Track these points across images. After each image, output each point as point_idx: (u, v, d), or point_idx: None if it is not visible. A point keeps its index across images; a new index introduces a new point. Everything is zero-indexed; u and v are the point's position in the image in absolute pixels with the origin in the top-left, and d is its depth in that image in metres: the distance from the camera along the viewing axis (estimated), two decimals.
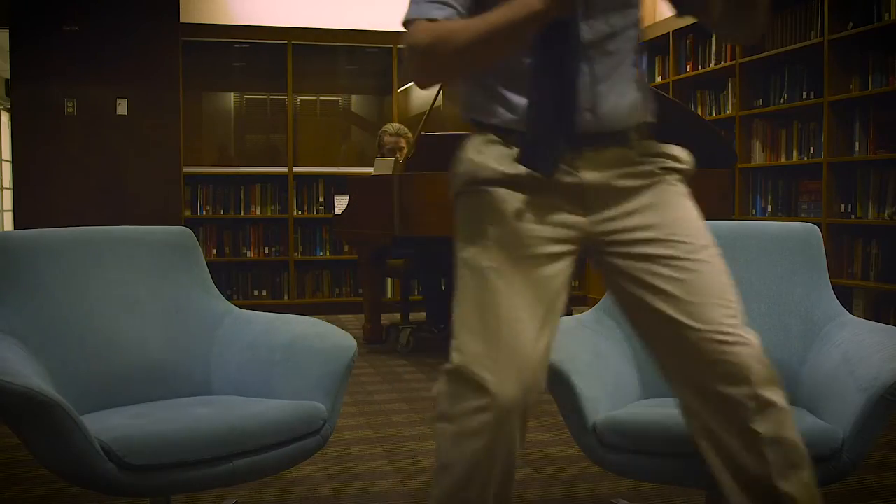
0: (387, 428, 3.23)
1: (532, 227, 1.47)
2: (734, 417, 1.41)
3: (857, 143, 4.71)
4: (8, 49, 6.02)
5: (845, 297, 4.16)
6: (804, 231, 2.16)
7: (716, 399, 1.42)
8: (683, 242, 1.47)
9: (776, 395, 1.41)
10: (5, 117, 9.20)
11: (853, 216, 4.68)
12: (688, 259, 1.46)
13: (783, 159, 5.19)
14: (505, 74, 1.48)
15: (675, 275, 1.45)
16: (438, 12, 1.44)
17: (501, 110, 1.49)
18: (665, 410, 1.75)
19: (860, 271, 4.66)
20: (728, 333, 1.41)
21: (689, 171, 1.57)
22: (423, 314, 5.65)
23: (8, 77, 6.47)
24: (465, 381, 1.41)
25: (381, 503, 2.42)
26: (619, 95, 1.50)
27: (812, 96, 4.96)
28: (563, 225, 1.49)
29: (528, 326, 1.43)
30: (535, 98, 1.42)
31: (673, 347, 1.46)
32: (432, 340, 5.25)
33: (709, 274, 1.46)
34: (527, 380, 1.41)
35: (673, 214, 1.50)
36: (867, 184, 4.62)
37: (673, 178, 1.54)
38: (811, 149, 4.97)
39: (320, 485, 2.56)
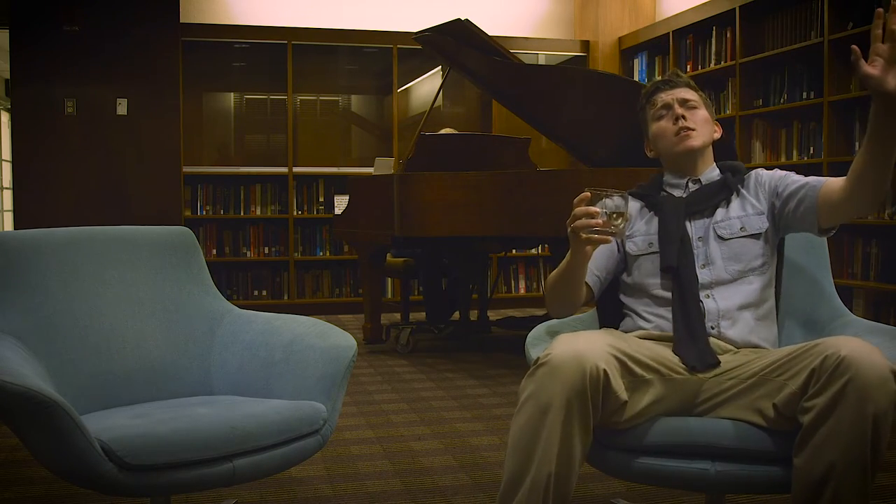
0: (387, 428, 3.23)
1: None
2: None
3: (857, 143, 4.71)
4: (8, 49, 6.01)
5: (845, 297, 4.15)
6: None
7: None
8: None
9: None
10: (5, 117, 9.20)
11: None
12: None
13: (783, 159, 5.19)
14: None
15: None
16: None
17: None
18: None
19: (860, 271, 4.66)
20: None
21: None
22: (423, 314, 5.65)
23: (8, 77, 6.47)
24: None
25: (381, 503, 2.42)
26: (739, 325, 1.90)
27: (812, 96, 4.96)
28: None
29: None
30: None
31: None
32: (432, 340, 5.25)
33: None
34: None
35: None
36: None
37: None
38: (811, 149, 4.97)
39: (320, 485, 2.56)
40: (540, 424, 1.60)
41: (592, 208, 1.69)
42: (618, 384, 1.67)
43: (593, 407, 1.62)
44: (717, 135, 2.08)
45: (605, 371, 1.63)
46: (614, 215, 1.68)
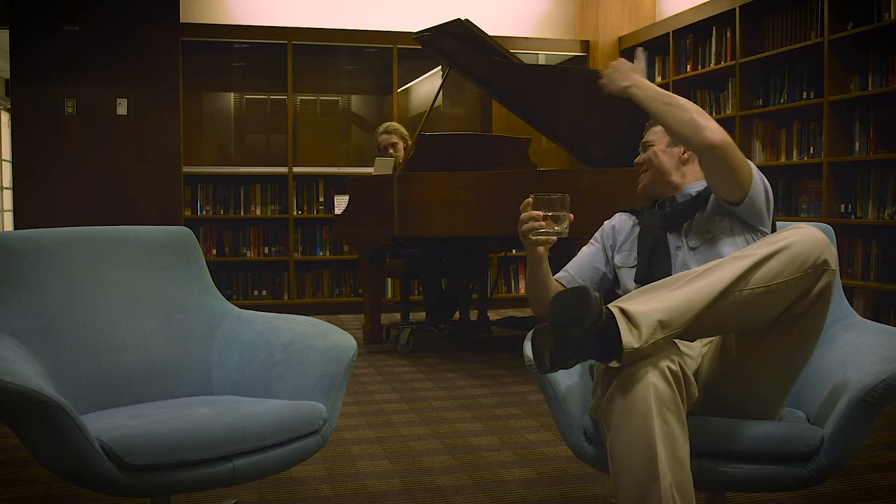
0: (387, 428, 3.23)
1: None
2: None
3: (857, 143, 4.71)
4: (8, 49, 6.01)
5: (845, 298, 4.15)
6: None
7: None
8: None
9: None
10: (5, 117, 9.20)
11: (853, 216, 4.69)
12: None
13: (783, 159, 5.19)
14: None
15: None
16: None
17: None
18: None
19: (860, 271, 4.66)
20: None
21: None
22: (423, 314, 5.65)
23: (8, 77, 6.47)
24: None
25: (381, 503, 2.42)
26: None
27: (812, 96, 4.96)
28: None
29: None
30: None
31: None
32: (432, 340, 5.25)
33: None
34: None
35: None
36: (867, 184, 4.62)
37: None
38: (811, 149, 4.97)
39: (320, 485, 2.56)
40: (641, 441, 1.57)
41: (535, 212, 1.85)
42: (689, 377, 1.67)
43: (681, 400, 1.61)
44: (687, 155, 2.17)
45: (679, 363, 1.62)
46: (557, 216, 1.84)
